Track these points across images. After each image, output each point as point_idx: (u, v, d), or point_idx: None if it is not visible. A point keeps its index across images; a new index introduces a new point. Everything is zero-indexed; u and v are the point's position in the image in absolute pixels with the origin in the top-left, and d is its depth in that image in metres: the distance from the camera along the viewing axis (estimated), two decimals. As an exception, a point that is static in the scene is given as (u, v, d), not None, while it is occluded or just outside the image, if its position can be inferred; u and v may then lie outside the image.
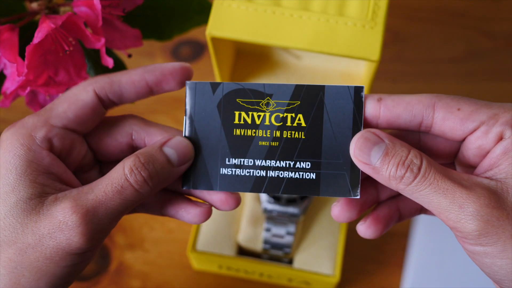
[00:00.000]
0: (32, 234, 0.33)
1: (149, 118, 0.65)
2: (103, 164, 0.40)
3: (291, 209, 0.52)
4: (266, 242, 0.52)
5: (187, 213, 0.38)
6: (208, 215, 0.38)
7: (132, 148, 0.39)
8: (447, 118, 0.35)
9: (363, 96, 0.35)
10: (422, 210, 0.39)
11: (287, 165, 0.36)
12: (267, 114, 0.36)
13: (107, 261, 0.60)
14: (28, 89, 0.43)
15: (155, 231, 0.61)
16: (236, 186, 0.37)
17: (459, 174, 0.33)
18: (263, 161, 0.36)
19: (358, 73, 0.58)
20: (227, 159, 0.37)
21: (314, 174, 0.36)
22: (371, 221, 0.37)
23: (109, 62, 0.43)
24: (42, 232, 0.33)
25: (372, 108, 0.35)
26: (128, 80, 0.37)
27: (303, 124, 0.35)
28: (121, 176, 0.34)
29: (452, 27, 0.70)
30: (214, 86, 0.36)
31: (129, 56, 0.49)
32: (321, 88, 0.35)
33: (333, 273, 0.53)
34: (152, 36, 0.52)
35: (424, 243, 0.58)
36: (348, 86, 0.35)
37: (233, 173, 0.37)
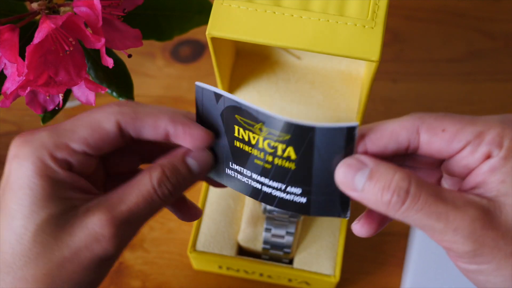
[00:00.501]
0: (67, 247, 0.34)
1: (149, 118, 0.65)
2: (110, 177, 0.41)
3: None
4: (266, 242, 0.52)
5: (181, 213, 0.41)
6: (196, 217, 0.41)
7: (141, 162, 0.41)
8: (433, 141, 0.34)
9: (356, 134, 0.33)
10: None
11: (279, 187, 0.37)
12: (261, 138, 0.35)
13: (107, 261, 0.60)
14: (28, 89, 0.43)
15: (155, 231, 0.61)
16: (238, 187, 0.39)
17: (451, 193, 0.33)
18: (259, 176, 0.37)
19: (358, 73, 0.58)
20: (230, 162, 0.38)
21: (305, 198, 0.36)
22: (364, 220, 0.37)
23: (109, 62, 0.43)
24: (78, 244, 0.34)
25: (359, 147, 0.35)
26: (151, 122, 0.37)
27: (293, 157, 0.35)
28: (150, 189, 0.35)
29: (452, 27, 0.70)
30: (217, 96, 0.36)
31: (129, 56, 0.49)
32: (311, 130, 0.33)
33: (333, 273, 0.53)
34: (152, 36, 0.52)
35: (424, 243, 0.58)
36: (340, 128, 0.33)
37: (235, 176, 0.38)
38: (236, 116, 0.36)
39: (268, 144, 0.35)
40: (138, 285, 0.59)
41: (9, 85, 0.44)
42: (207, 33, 0.45)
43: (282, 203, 0.37)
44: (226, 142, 0.38)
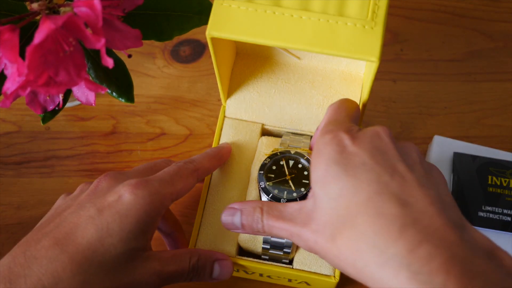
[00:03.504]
0: (128, 275, 0.43)
1: (149, 118, 0.65)
2: None
3: None
4: (265, 242, 0.52)
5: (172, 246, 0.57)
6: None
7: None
8: None
9: None
10: None
11: None
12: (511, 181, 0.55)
13: (107, 261, 0.60)
14: (29, 89, 0.43)
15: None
16: (490, 225, 0.53)
17: (293, 208, 0.43)
18: (509, 210, 0.53)
19: (359, 73, 0.58)
20: (482, 206, 0.54)
21: None
22: None
23: (109, 62, 0.43)
24: (135, 277, 0.44)
25: None
26: (210, 163, 0.52)
27: None
28: (185, 269, 0.47)
29: (452, 27, 0.70)
30: (473, 157, 0.57)
31: (129, 56, 0.49)
32: None
33: (333, 273, 0.53)
34: (152, 36, 0.52)
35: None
36: None
37: (487, 216, 0.53)
38: (490, 168, 0.55)
39: None
40: (138, 285, 0.59)
41: (9, 85, 0.44)
42: (207, 33, 0.45)
43: None
44: (480, 190, 0.54)
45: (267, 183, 0.51)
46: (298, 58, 0.59)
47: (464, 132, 0.64)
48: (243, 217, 0.45)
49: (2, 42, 0.42)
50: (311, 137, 0.55)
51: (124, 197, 0.44)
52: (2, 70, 0.46)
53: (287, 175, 0.51)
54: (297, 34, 0.43)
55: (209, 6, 0.52)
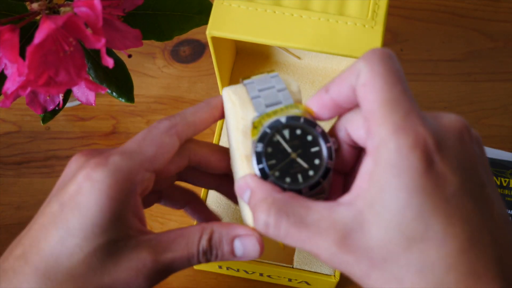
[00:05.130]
0: (108, 275, 0.35)
1: (149, 118, 0.65)
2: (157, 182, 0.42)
3: None
4: None
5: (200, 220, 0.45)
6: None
7: (186, 168, 0.43)
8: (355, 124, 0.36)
9: None
10: None
11: None
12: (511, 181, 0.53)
13: (107, 261, 0.60)
14: (29, 89, 0.43)
15: (155, 231, 0.61)
16: None
17: (319, 213, 0.33)
18: (509, 210, 0.52)
19: (358, 73, 0.58)
20: None
21: None
22: None
23: (109, 62, 0.43)
24: (118, 276, 0.35)
25: None
26: (200, 119, 0.40)
27: None
28: (195, 252, 0.37)
29: (452, 27, 0.70)
30: None
31: (129, 56, 0.49)
32: None
33: (333, 273, 0.53)
34: (152, 36, 0.52)
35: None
36: None
37: None
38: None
39: None
40: (138, 285, 0.59)
41: (10, 85, 0.44)
42: (207, 32, 0.45)
43: None
44: None
45: (272, 172, 0.37)
46: (298, 58, 0.59)
47: (464, 132, 0.64)
48: (252, 202, 0.35)
49: (2, 42, 0.42)
50: (282, 79, 0.40)
51: (82, 185, 0.36)
52: (2, 70, 0.46)
53: (290, 153, 0.38)
54: (297, 33, 0.43)
55: (209, 6, 0.52)
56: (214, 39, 0.46)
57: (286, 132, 0.38)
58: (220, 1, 0.45)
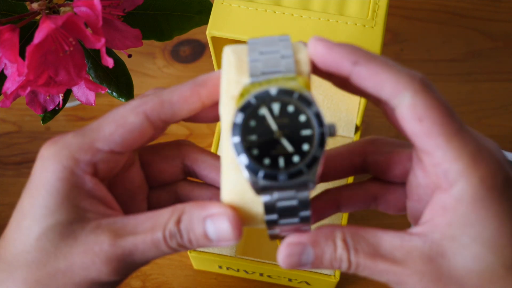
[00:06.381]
0: (64, 259, 0.32)
1: (149, 118, 0.65)
2: (152, 189, 0.40)
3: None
4: (269, 210, 0.38)
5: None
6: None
7: (184, 173, 0.39)
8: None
9: None
10: (365, 203, 0.39)
11: None
12: None
13: (107, 261, 0.60)
14: (29, 89, 0.43)
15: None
16: None
17: (391, 243, 0.31)
18: None
19: (358, 73, 0.58)
20: None
21: None
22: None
23: (109, 62, 0.43)
24: (75, 260, 0.32)
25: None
26: (179, 97, 0.35)
27: None
28: (160, 235, 0.32)
29: (452, 27, 0.70)
30: None
31: (129, 56, 0.49)
32: None
33: (333, 272, 0.53)
34: (152, 36, 0.52)
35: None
36: None
37: None
38: None
39: None
40: (138, 285, 0.59)
41: (9, 85, 0.44)
42: (207, 32, 0.45)
43: None
44: None
45: (250, 152, 0.32)
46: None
47: (464, 132, 0.64)
48: (317, 255, 0.32)
49: (2, 41, 0.42)
50: (292, 44, 0.35)
51: (36, 164, 0.34)
52: (2, 70, 0.46)
53: (275, 131, 0.33)
54: (297, 33, 0.43)
55: (209, 6, 0.52)
56: (214, 39, 0.46)
57: (276, 107, 0.33)
58: (220, 1, 0.45)
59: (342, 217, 0.54)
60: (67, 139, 0.34)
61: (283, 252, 0.32)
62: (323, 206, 0.38)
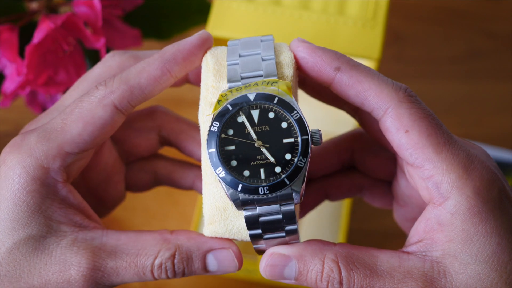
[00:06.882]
0: (38, 276, 0.31)
1: (149, 118, 0.65)
2: (129, 166, 0.38)
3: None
4: (251, 223, 0.41)
5: None
6: None
7: (161, 143, 0.38)
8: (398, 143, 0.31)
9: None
10: (350, 191, 0.39)
11: None
12: None
13: (107, 261, 0.60)
14: (28, 88, 0.43)
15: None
16: None
17: (389, 263, 0.30)
18: None
19: (358, 73, 0.58)
20: None
21: None
22: None
23: (109, 61, 0.43)
24: (50, 278, 0.30)
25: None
26: (149, 79, 0.32)
27: None
28: (148, 266, 0.31)
29: (452, 27, 0.70)
30: None
31: (129, 56, 0.49)
32: None
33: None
34: (152, 36, 0.52)
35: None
36: None
37: None
38: None
39: None
40: (138, 286, 0.59)
41: (9, 85, 0.44)
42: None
43: None
44: None
45: (228, 164, 0.30)
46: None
47: (464, 131, 0.64)
48: (300, 271, 0.30)
49: (1, 41, 0.42)
50: (273, 46, 0.33)
51: (0, 170, 0.31)
52: (2, 70, 0.46)
53: (255, 140, 0.30)
54: (297, 33, 0.43)
55: (209, 5, 0.52)
56: (214, 39, 0.46)
57: (255, 113, 0.30)
58: (220, 1, 0.45)
59: (342, 219, 0.54)
60: (31, 144, 0.31)
61: (265, 261, 0.31)
62: (311, 196, 0.38)
